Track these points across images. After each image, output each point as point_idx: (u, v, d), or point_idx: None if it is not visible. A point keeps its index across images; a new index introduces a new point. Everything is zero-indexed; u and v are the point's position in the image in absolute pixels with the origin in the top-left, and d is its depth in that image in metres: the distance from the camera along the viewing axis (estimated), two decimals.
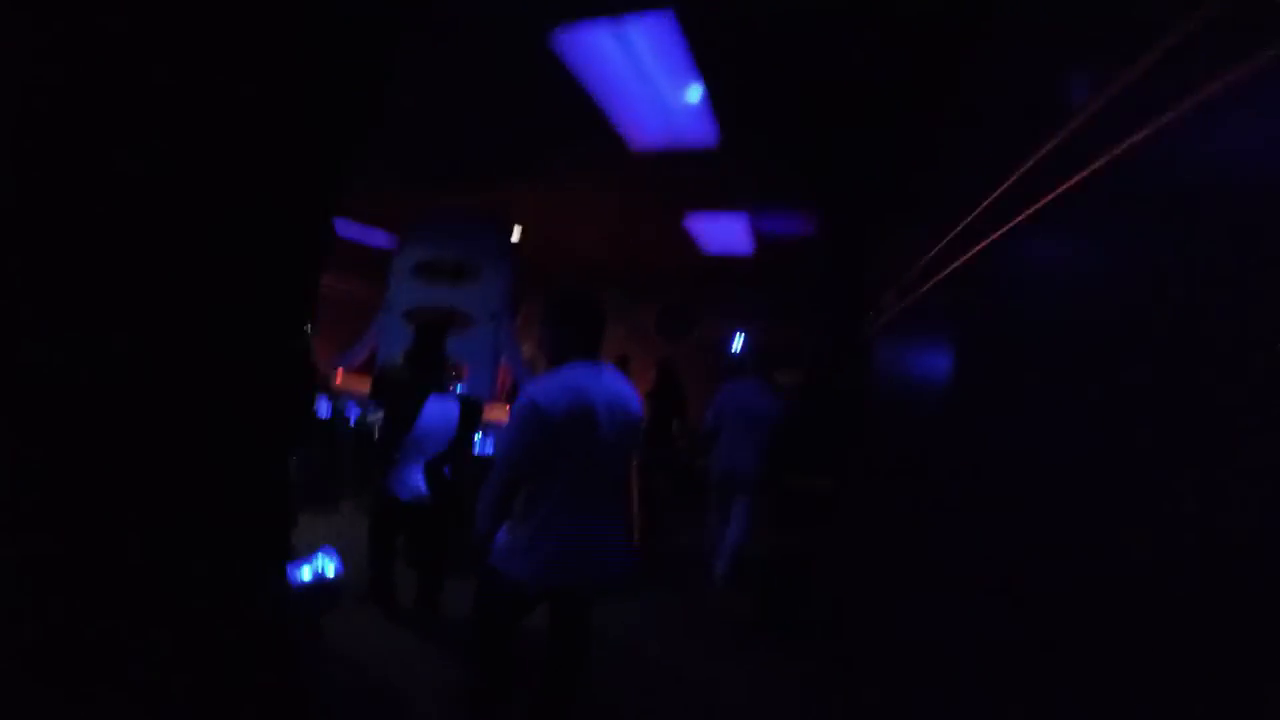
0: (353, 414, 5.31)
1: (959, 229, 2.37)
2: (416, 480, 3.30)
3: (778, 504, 4.25)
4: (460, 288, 6.07)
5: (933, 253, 2.76)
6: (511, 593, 2.17)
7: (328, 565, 2.37)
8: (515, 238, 6.46)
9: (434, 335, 3.62)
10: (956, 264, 2.36)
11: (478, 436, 4.21)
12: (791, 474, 4.10)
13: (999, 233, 1.95)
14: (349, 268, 9.35)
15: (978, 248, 2.14)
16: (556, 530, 2.08)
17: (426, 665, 3.17)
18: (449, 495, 3.38)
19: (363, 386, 5.00)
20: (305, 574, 2.30)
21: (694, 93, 4.04)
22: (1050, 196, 1.61)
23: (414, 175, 5.81)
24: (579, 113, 4.23)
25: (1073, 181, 1.50)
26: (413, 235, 6.37)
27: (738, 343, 9.14)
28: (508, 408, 5.16)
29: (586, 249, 8.35)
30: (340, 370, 6.61)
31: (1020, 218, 1.80)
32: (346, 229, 8.95)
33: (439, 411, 3.32)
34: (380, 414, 3.67)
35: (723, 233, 6.88)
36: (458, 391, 3.68)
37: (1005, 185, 1.92)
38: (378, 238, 8.21)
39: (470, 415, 3.49)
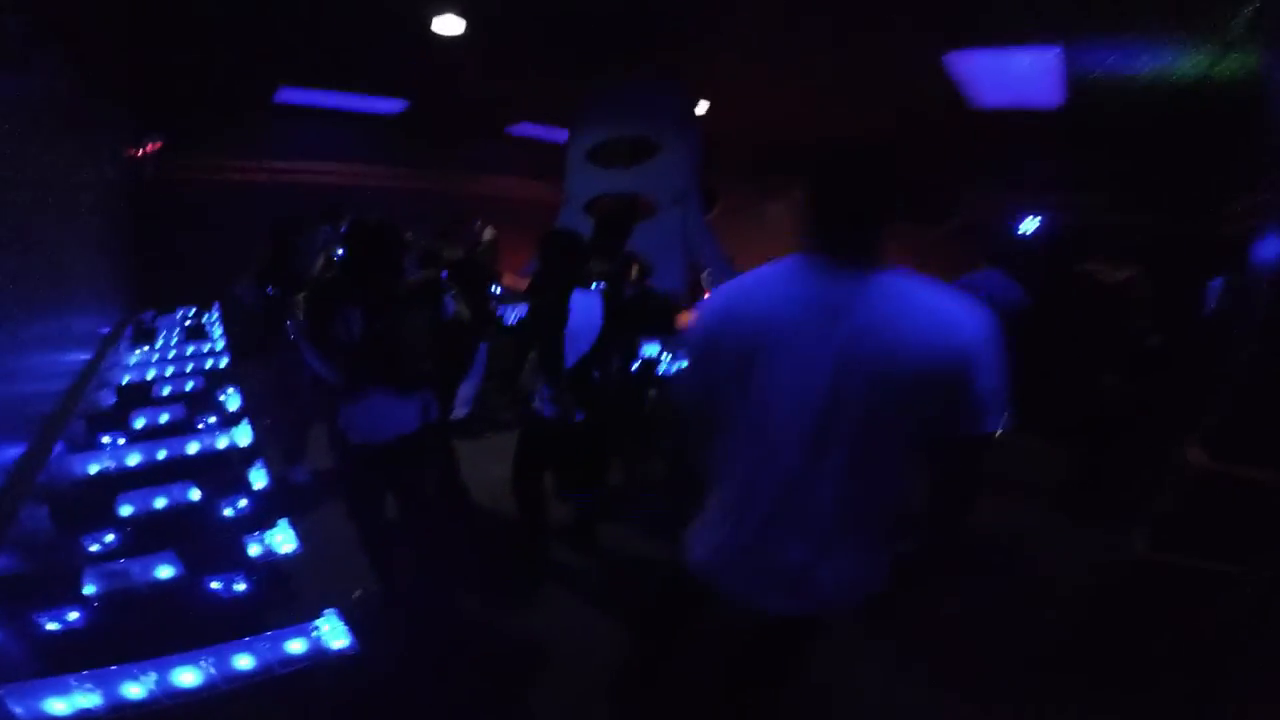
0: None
1: None
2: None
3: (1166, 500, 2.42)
4: (639, 169, 4.88)
5: None
6: (675, 573, 1.57)
7: (330, 633, 1.49)
8: (700, 111, 4.99)
9: (612, 226, 3.21)
10: None
11: (654, 347, 3.70)
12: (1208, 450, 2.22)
13: None
14: (536, 171, 8.75)
15: None
16: (728, 509, 1.42)
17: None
18: (598, 410, 2.65)
19: None
20: (298, 645, 1.43)
21: None
22: None
23: (585, 46, 4.59)
24: None
25: None
26: (585, 117, 5.27)
27: (1029, 225, 6.33)
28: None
29: (796, 117, 6.41)
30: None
31: None
32: (528, 130, 8.25)
33: (583, 307, 2.54)
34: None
35: (1013, 75, 4.49)
36: (599, 288, 2.81)
37: None
38: (561, 134, 7.36)
39: (630, 312, 2.92)
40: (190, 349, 4.42)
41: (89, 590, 1.53)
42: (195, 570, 1.65)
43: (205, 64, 5.18)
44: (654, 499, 3.64)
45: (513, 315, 5.01)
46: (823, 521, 1.31)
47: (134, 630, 1.53)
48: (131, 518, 1.98)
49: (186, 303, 5.65)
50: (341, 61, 5.40)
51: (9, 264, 3.32)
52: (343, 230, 2.32)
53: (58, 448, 2.43)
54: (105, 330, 4.54)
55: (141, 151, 5.84)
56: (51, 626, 1.48)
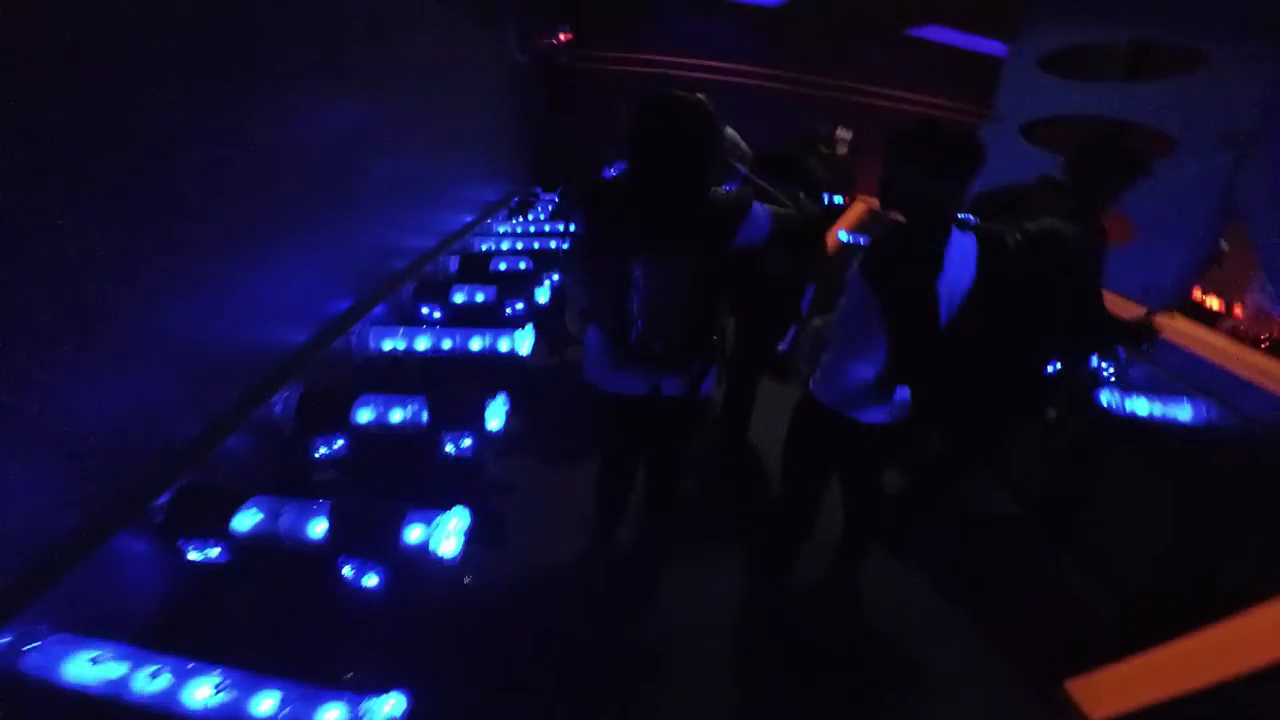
0: None
1: None
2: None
3: None
4: (1151, 87, 2.92)
5: None
6: None
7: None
8: None
9: (1101, 160, 1.86)
10: None
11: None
12: None
13: None
14: (941, 83, 6.77)
15: None
16: None
17: None
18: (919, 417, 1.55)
19: None
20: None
21: None
22: None
23: None
24: None
25: None
26: (1044, 8, 3.37)
27: None
28: None
29: None
30: None
31: None
32: (937, 32, 6.31)
33: (960, 256, 1.40)
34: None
35: None
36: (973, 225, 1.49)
37: None
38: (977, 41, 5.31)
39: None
40: (548, 228, 4.54)
41: (237, 526, 1.26)
42: (339, 539, 1.27)
43: None
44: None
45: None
46: None
47: (248, 592, 1.24)
48: (362, 427, 1.78)
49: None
50: None
51: (443, 132, 3.68)
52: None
53: (380, 309, 2.53)
54: (492, 199, 5.00)
55: (555, 42, 6.10)
56: (192, 556, 1.27)
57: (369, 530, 1.29)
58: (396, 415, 1.80)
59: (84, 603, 1.16)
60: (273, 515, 1.31)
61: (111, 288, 1.26)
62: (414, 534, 1.33)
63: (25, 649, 1.03)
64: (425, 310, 2.72)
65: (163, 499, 1.32)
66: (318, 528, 1.30)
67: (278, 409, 1.75)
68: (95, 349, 1.23)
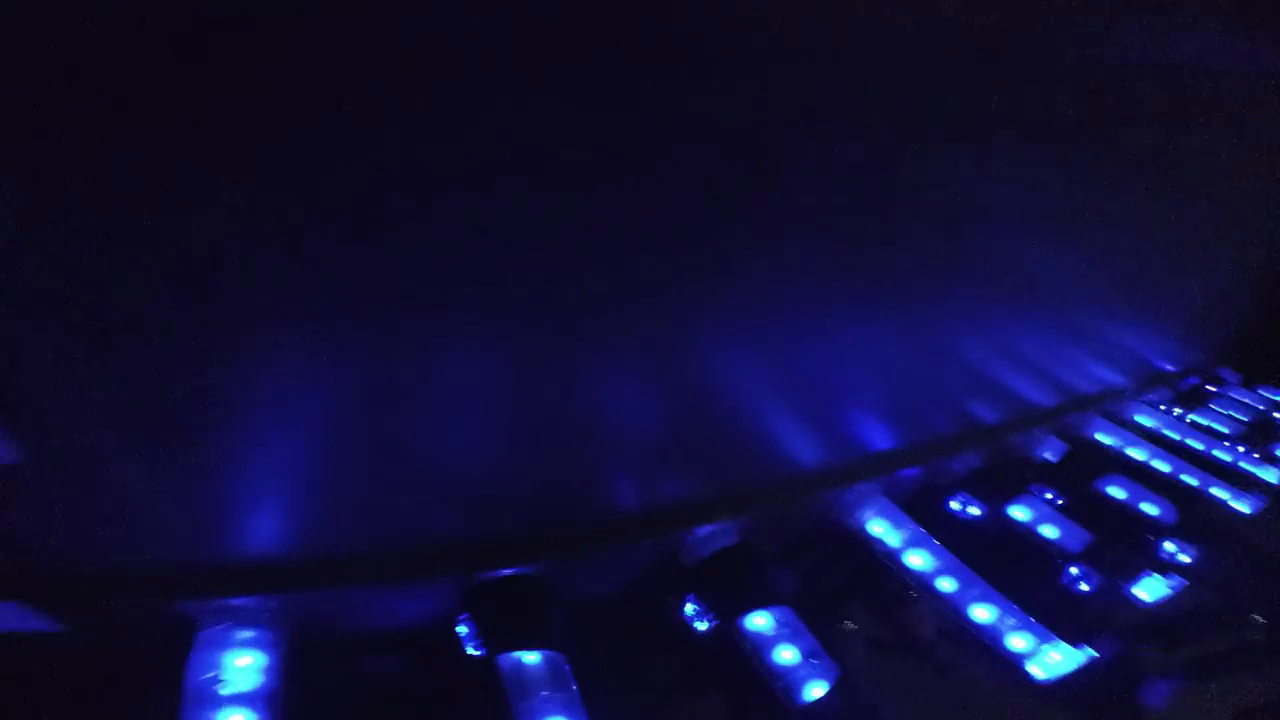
0: None
1: None
2: None
3: None
4: None
5: None
6: None
7: None
8: None
9: None
10: None
11: None
12: None
13: None
14: None
15: None
16: None
17: None
18: None
19: None
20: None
21: None
22: None
23: None
24: None
25: None
26: None
27: None
28: None
29: None
30: None
31: None
32: None
33: None
34: None
35: None
36: None
37: None
38: None
39: None
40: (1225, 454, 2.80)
41: None
42: None
43: None
44: None
45: None
46: None
47: None
48: None
49: None
50: None
51: (1112, 236, 2.41)
52: None
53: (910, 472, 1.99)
54: (1167, 367, 3.44)
55: None
56: None
57: None
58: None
59: None
60: None
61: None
62: None
63: None
64: (958, 506, 2.01)
65: None
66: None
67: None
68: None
